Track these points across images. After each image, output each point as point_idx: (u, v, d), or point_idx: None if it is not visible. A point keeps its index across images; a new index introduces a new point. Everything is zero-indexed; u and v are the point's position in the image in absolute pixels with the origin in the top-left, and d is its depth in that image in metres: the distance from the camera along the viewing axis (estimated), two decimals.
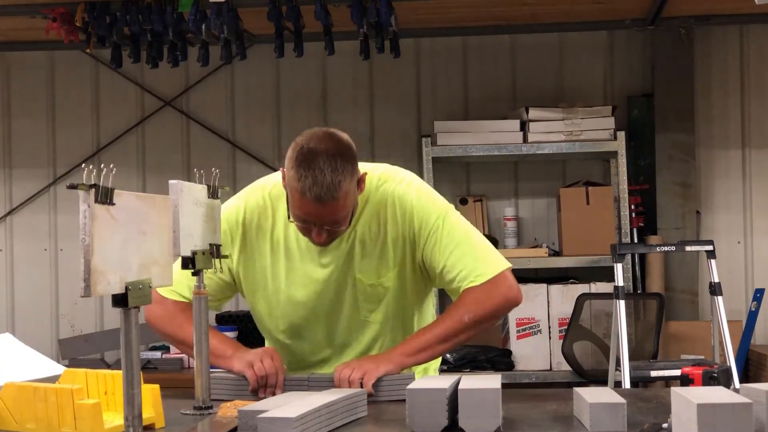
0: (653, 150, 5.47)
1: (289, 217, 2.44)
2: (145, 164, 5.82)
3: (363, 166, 2.50)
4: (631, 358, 4.30)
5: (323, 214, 2.36)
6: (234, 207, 2.59)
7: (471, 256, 2.50)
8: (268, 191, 2.58)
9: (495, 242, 5.39)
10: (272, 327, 2.64)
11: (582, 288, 5.05)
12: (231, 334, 4.84)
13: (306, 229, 2.43)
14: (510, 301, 2.53)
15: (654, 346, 4.92)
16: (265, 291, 2.59)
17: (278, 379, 2.41)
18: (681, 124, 5.45)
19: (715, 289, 4.43)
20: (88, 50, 5.05)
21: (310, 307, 2.57)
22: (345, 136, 2.43)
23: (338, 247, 2.52)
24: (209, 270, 2.34)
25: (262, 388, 2.41)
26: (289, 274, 2.55)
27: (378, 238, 2.52)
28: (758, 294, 5.23)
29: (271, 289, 2.57)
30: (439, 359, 2.71)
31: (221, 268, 2.45)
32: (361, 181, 2.45)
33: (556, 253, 5.29)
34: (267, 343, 2.72)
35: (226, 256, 2.38)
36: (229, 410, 2.12)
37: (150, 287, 1.76)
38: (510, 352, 5.08)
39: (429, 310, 2.73)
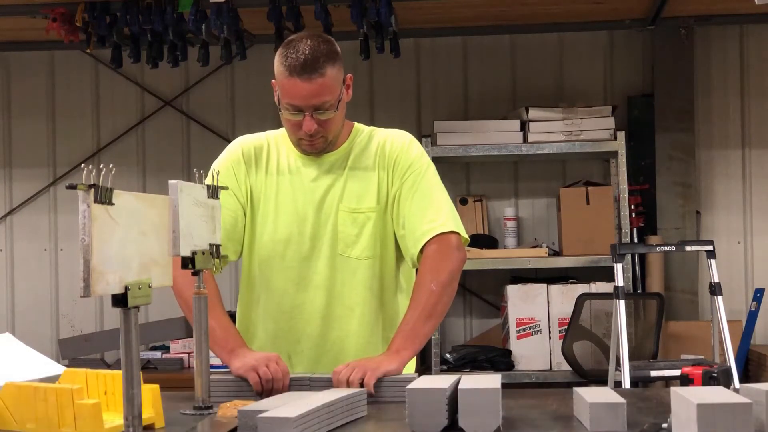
0: (653, 150, 5.47)
1: (279, 110, 2.54)
2: (145, 164, 5.82)
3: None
4: (631, 358, 4.30)
5: (310, 92, 2.46)
6: (232, 147, 2.72)
7: (432, 210, 2.62)
8: (265, 133, 2.73)
9: (495, 242, 5.40)
10: (253, 262, 2.68)
11: (582, 288, 5.05)
12: None
13: (297, 124, 2.52)
14: (462, 260, 2.60)
15: (654, 346, 4.91)
16: (255, 219, 2.67)
17: (284, 384, 2.40)
18: (681, 124, 5.45)
19: (715, 289, 4.43)
20: (88, 50, 5.05)
21: (293, 235, 2.62)
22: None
23: (329, 172, 2.63)
24: (225, 207, 2.46)
25: (267, 392, 2.39)
26: (278, 195, 2.64)
27: (366, 167, 2.65)
28: (758, 294, 5.23)
29: (260, 214, 2.65)
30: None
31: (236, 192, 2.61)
32: (348, 87, 2.57)
33: (556, 253, 5.29)
34: (243, 293, 2.74)
35: (226, 188, 2.41)
36: (229, 410, 2.12)
37: (149, 287, 1.77)
38: (510, 352, 5.08)
39: (407, 274, 2.75)
